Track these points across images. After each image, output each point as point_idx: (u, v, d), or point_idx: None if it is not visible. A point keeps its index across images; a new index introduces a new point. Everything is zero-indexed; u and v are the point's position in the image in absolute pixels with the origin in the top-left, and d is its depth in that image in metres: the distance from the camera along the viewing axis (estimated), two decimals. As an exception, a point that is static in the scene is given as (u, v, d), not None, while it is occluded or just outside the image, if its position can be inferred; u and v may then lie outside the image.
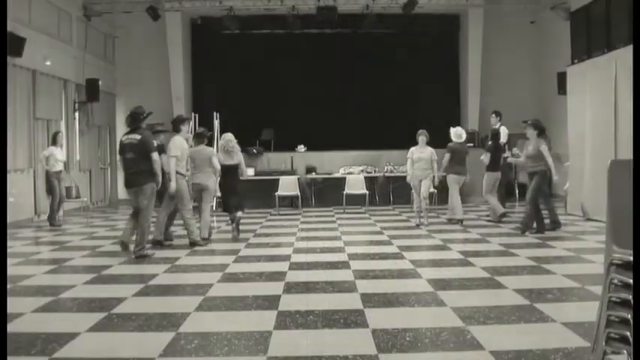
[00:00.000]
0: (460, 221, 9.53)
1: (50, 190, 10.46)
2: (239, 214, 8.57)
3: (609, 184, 3.04)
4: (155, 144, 7.13)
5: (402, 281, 5.58)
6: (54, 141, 10.54)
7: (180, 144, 7.69)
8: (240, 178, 8.68)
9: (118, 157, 7.59)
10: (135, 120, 7.13)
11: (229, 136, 8.62)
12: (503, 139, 10.14)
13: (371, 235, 8.66)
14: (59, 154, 10.49)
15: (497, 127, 10.24)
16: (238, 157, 8.51)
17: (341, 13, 14.13)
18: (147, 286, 5.44)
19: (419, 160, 9.33)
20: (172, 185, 7.43)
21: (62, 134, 11.05)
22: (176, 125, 7.95)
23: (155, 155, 6.92)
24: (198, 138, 8.18)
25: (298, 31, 14.73)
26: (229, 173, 8.38)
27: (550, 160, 8.21)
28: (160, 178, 6.96)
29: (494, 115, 10.56)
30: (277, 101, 15.08)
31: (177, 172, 7.55)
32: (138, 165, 6.89)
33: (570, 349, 3.51)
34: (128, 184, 7.07)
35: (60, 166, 10.48)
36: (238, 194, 8.64)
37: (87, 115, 13.75)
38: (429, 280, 5.46)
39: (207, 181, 7.93)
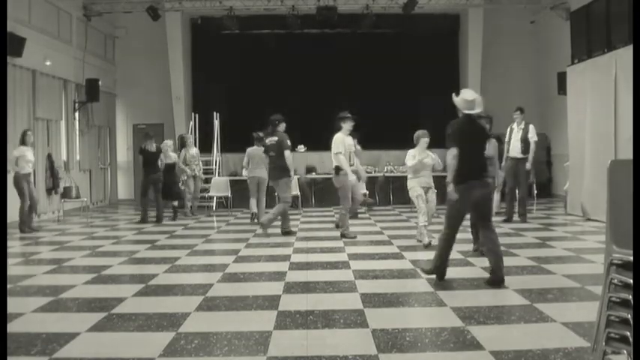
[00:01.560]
0: None
1: (19, 194, 9.40)
2: (175, 203, 11.29)
3: (609, 184, 3.05)
4: (289, 143, 8.64)
5: (402, 281, 5.58)
6: (23, 140, 9.49)
7: (342, 140, 8.23)
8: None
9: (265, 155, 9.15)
10: (272, 125, 8.79)
11: (170, 142, 11.64)
12: (535, 136, 9.73)
13: (371, 235, 8.65)
14: (30, 154, 9.56)
15: (523, 124, 9.78)
16: (173, 157, 11.40)
17: (341, 13, 14.11)
18: (147, 286, 5.44)
19: (423, 167, 7.75)
20: (351, 178, 8.26)
21: (31, 133, 9.87)
22: (338, 123, 8.44)
23: (287, 153, 8.52)
24: (258, 140, 10.14)
25: (298, 31, 14.72)
26: (169, 170, 11.10)
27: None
28: (292, 172, 8.67)
29: (518, 112, 9.90)
30: (277, 101, 15.01)
31: (339, 168, 8.19)
32: (276, 162, 8.60)
33: (570, 349, 3.51)
34: (270, 177, 9.06)
35: (30, 168, 9.55)
36: (176, 186, 11.45)
37: (87, 115, 13.77)
38: (429, 280, 5.46)
39: (263, 175, 9.86)
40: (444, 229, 5.52)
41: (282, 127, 8.80)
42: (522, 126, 9.80)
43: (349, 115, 8.39)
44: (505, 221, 9.62)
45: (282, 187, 8.62)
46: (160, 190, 10.76)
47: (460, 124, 5.38)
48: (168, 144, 11.53)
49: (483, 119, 7.45)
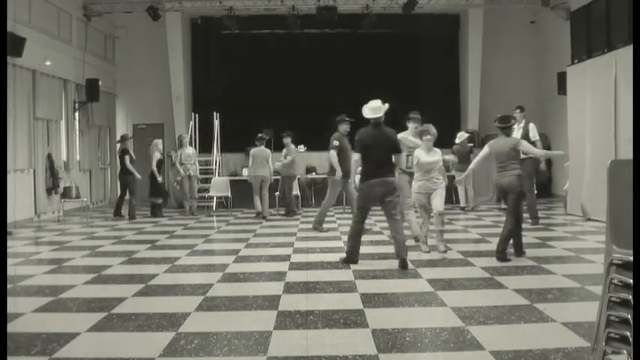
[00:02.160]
0: (462, 207, 11.94)
1: None
2: (160, 200, 11.90)
3: (609, 184, 3.05)
4: (335, 144, 8.70)
5: (402, 281, 5.58)
6: None
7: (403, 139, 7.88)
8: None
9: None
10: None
11: (157, 141, 11.85)
12: (537, 135, 9.36)
13: (371, 235, 8.64)
14: None
15: (523, 122, 9.40)
16: (155, 157, 11.63)
17: (341, 13, 14.12)
18: (147, 286, 5.45)
19: (428, 166, 6.80)
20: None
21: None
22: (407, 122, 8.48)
23: (330, 152, 8.69)
24: (260, 140, 10.98)
25: (298, 31, 14.71)
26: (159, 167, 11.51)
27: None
28: (337, 171, 8.65)
29: (518, 111, 9.51)
30: (277, 101, 15.06)
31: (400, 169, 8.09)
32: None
33: (570, 349, 3.51)
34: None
35: None
36: (158, 184, 11.73)
37: (87, 115, 13.76)
38: (429, 280, 5.46)
39: (266, 173, 10.85)
40: (354, 217, 6.55)
41: (342, 127, 8.95)
42: (522, 125, 9.43)
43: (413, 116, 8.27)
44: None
45: (329, 184, 9.09)
46: (132, 190, 11.45)
47: (366, 130, 6.36)
48: (153, 143, 11.87)
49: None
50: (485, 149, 6.80)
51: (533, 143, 9.06)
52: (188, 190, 11.88)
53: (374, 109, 6.30)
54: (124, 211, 11.58)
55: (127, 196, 11.57)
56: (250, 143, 14.06)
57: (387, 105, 6.41)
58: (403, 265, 6.04)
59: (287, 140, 11.39)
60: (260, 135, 11.08)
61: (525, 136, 9.17)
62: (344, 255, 6.46)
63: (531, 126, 9.42)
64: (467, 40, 15.15)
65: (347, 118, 9.05)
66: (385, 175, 6.19)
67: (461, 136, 11.88)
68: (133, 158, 11.57)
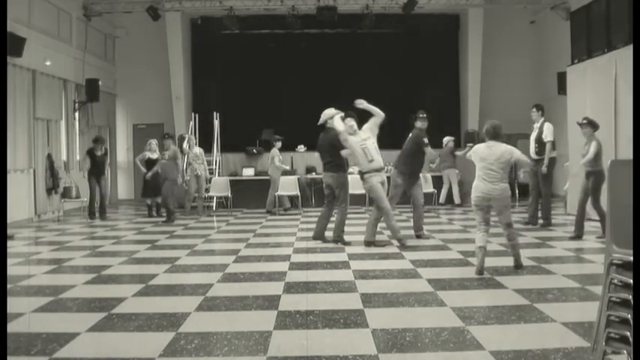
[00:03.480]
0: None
1: None
2: (158, 199, 11.56)
3: (609, 184, 3.05)
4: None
5: (402, 281, 5.58)
6: None
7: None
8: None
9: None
10: None
11: (154, 141, 11.79)
12: (549, 136, 8.88)
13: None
14: None
15: (540, 122, 9.02)
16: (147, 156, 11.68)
17: (341, 13, 14.13)
18: (147, 286, 5.45)
19: (484, 161, 5.71)
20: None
21: None
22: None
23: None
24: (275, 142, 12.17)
25: (298, 31, 14.73)
26: (150, 169, 11.48)
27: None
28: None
29: (534, 110, 9.18)
30: (277, 101, 15.08)
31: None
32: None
33: (570, 349, 3.51)
34: None
35: None
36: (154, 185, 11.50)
37: (87, 115, 13.76)
38: (429, 280, 5.46)
39: (273, 174, 11.93)
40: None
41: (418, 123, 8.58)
42: (539, 125, 9.05)
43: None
44: (526, 224, 9.15)
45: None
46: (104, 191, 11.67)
47: (321, 134, 7.79)
48: (148, 142, 11.91)
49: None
50: (597, 146, 7.58)
51: (544, 144, 8.88)
52: (194, 191, 11.90)
53: (322, 116, 7.67)
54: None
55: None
56: (250, 143, 14.22)
57: (336, 111, 7.69)
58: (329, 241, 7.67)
59: (167, 142, 10.94)
60: (276, 137, 12.38)
61: (539, 136, 8.96)
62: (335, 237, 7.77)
63: (546, 126, 8.97)
64: (467, 40, 15.15)
65: (423, 115, 8.49)
66: (328, 170, 7.73)
67: (447, 141, 13.10)
68: (98, 158, 11.50)
